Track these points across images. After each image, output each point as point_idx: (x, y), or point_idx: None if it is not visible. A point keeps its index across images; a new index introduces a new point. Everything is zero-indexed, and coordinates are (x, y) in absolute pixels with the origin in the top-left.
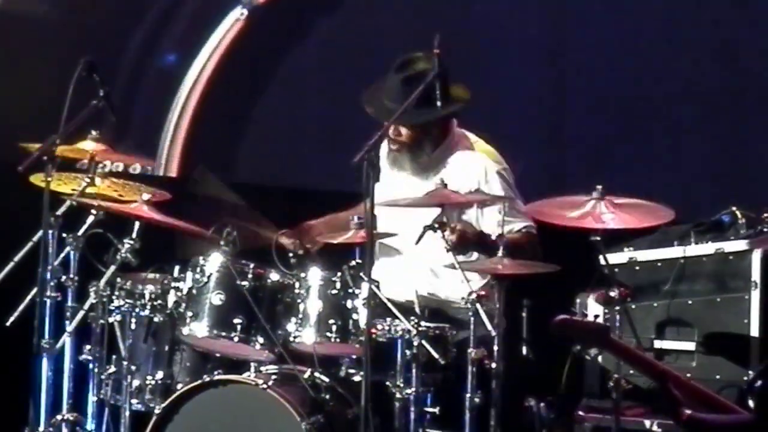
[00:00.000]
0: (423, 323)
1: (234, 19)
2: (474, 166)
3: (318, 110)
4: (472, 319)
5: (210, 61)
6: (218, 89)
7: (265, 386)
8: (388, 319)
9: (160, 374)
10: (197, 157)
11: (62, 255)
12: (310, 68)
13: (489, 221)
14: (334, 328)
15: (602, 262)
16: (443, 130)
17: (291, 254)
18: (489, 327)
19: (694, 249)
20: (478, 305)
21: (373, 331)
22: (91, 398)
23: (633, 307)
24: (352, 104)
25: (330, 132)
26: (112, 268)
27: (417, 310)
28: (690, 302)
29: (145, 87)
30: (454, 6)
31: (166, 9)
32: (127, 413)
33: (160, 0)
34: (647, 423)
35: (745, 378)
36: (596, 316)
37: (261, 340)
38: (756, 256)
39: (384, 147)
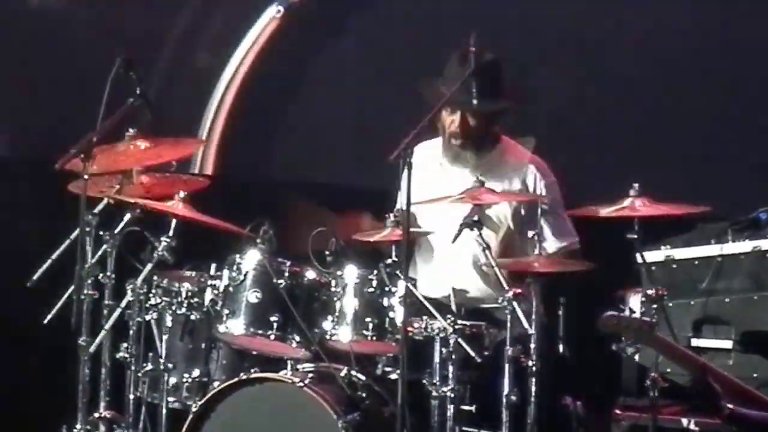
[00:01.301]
0: (459, 321)
1: (270, 17)
2: (527, 172)
3: (353, 108)
4: (508, 317)
5: (246, 59)
6: (254, 87)
7: (301, 384)
8: (425, 317)
9: (196, 372)
10: (233, 154)
11: (99, 253)
12: (345, 66)
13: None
14: (370, 326)
15: (639, 260)
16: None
17: (327, 252)
18: (526, 325)
19: (732, 247)
20: (514, 303)
21: (410, 329)
22: (129, 396)
23: (670, 305)
24: (388, 102)
25: (365, 129)
26: (149, 265)
27: (453, 308)
28: (727, 300)
29: (181, 85)
30: (489, 4)
31: (202, 7)
32: (164, 411)
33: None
34: (684, 421)
35: None
36: (632, 311)
37: (297, 338)
38: None
39: (432, 146)
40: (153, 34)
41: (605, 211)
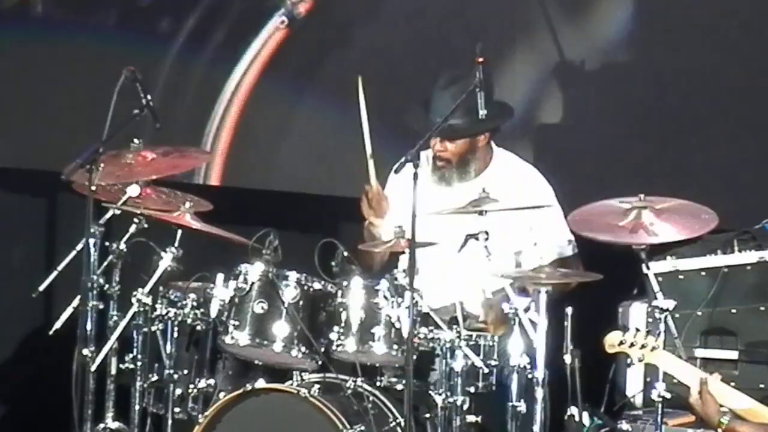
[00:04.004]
0: (465, 331)
1: (274, 28)
2: (527, 184)
3: (358, 119)
4: (515, 327)
5: (250, 70)
6: (258, 97)
7: (307, 395)
8: (431, 328)
9: (202, 383)
10: (238, 164)
11: (105, 263)
12: (349, 77)
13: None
14: (376, 336)
15: (645, 270)
16: (488, 145)
17: (333, 263)
18: (532, 335)
19: (737, 258)
20: (521, 313)
21: (416, 339)
22: (134, 407)
23: (676, 315)
24: (392, 113)
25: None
26: (155, 276)
27: (459, 318)
28: (733, 311)
29: (185, 95)
30: (493, 14)
31: (207, 17)
32: (170, 422)
33: (200, 8)
34: None
35: None
36: (637, 330)
37: (303, 348)
38: None
39: (428, 163)
40: (157, 43)
41: (612, 224)
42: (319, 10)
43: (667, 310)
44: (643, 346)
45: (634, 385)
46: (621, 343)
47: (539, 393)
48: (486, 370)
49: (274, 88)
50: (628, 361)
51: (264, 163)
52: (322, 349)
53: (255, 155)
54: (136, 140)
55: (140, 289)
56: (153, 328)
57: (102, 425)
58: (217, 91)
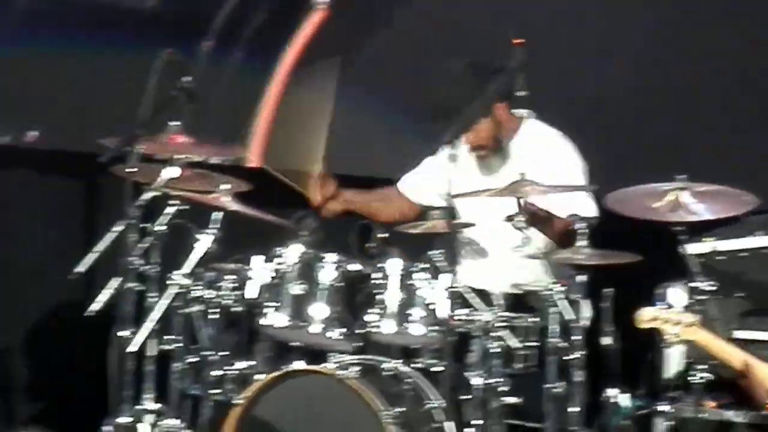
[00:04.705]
0: (503, 313)
1: (314, 10)
2: (557, 157)
3: (396, 102)
4: (553, 308)
5: (290, 50)
6: (298, 78)
7: (345, 377)
8: (469, 309)
9: (240, 364)
10: (276, 146)
11: (143, 245)
12: (388, 59)
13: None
14: (413, 318)
15: (684, 252)
16: (510, 115)
17: (372, 245)
18: (570, 317)
19: None
20: (559, 295)
21: (453, 321)
22: (172, 388)
23: (716, 297)
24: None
25: (407, 123)
26: (193, 258)
27: (497, 299)
28: None
29: (224, 77)
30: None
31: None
32: (208, 403)
33: None
34: (729, 414)
35: None
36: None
37: (341, 330)
38: None
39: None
40: (196, 26)
41: (651, 207)
42: None
43: (707, 291)
44: (677, 323)
45: (673, 366)
46: (655, 318)
47: (577, 375)
48: (523, 352)
49: (314, 70)
50: (663, 338)
51: (302, 144)
52: (360, 331)
53: (294, 136)
54: (174, 123)
55: (178, 271)
56: (191, 310)
57: (140, 406)
58: (257, 72)
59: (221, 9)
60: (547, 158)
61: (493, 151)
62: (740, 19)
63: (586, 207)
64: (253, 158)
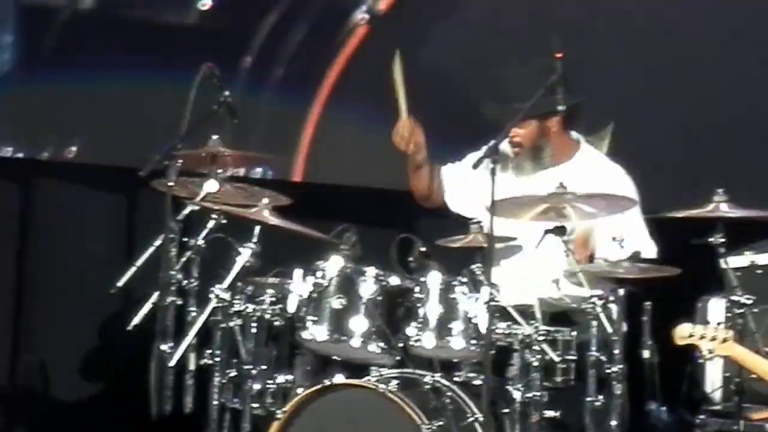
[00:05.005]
0: (543, 327)
1: (355, 24)
2: (610, 184)
3: (438, 114)
4: (592, 322)
5: (332, 65)
6: (339, 93)
7: (385, 390)
8: (508, 323)
9: (280, 378)
10: (319, 162)
11: (183, 259)
12: (427, 74)
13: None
14: (454, 332)
15: (723, 265)
16: (564, 133)
17: (412, 259)
18: (609, 330)
19: None
20: (598, 309)
21: (494, 335)
22: (212, 402)
23: (755, 311)
24: (472, 108)
25: (450, 135)
26: (233, 272)
27: (537, 313)
28: None
29: (265, 92)
30: (573, 7)
31: (288, 12)
32: (248, 417)
33: (281, 4)
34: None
35: None
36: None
37: (381, 344)
38: None
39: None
40: (238, 40)
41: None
42: (399, 7)
43: (746, 305)
44: (713, 338)
45: (712, 380)
46: (691, 335)
47: (617, 388)
48: (563, 365)
49: (355, 84)
50: (699, 354)
51: (343, 159)
52: (400, 345)
53: (335, 151)
54: (214, 137)
55: (218, 285)
56: (231, 324)
57: None
58: (298, 87)
59: (262, 26)
60: (600, 188)
61: (530, 153)
62: None
63: (648, 246)
64: (294, 173)
